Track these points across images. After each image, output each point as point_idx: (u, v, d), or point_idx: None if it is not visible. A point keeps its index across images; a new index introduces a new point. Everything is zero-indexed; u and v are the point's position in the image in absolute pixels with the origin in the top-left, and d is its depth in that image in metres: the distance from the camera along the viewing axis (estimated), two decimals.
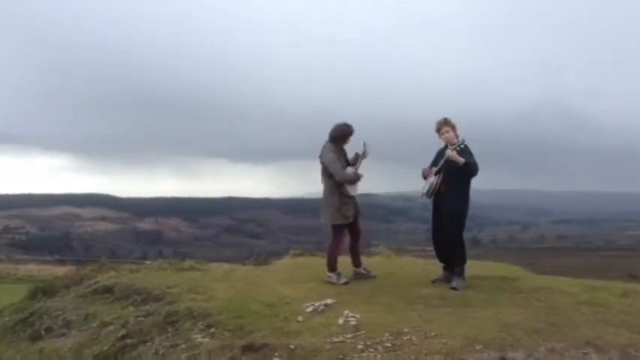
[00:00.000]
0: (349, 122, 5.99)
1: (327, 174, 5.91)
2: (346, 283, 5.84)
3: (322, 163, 5.93)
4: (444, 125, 5.70)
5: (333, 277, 5.93)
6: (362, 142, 5.97)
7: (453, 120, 5.76)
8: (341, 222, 5.89)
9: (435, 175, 5.65)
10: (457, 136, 5.69)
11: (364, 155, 5.96)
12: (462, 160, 5.43)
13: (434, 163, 5.88)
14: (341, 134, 5.94)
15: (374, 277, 6.07)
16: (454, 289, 5.44)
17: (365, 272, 6.12)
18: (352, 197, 5.96)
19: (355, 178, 5.92)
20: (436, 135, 5.81)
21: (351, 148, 6.08)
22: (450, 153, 5.46)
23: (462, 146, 5.54)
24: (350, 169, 5.92)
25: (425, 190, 5.76)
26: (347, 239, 6.11)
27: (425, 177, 5.90)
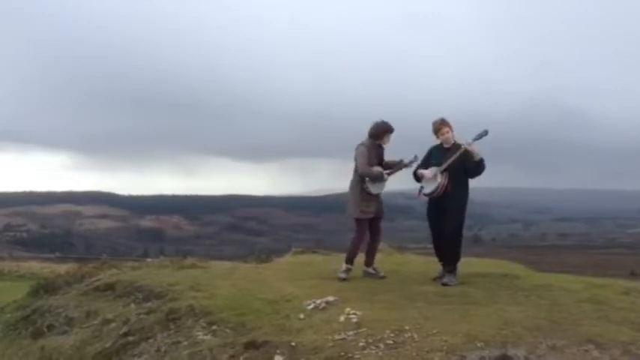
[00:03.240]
0: (389, 121, 5.99)
1: (355, 167, 5.99)
2: (344, 280, 5.88)
3: (355, 155, 5.99)
4: (444, 126, 5.68)
5: (343, 267, 6.01)
6: (413, 155, 5.98)
7: (449, 120, 5.73)
8: (359, 216, 5.94)
9: (442, 173, 5.57)
10: (453, 137, 5.69)
11: (406, 165, 5.98)
12: (477, 150, 5.39)
13: (426, 163, 5.84)
14: (378, 131, 5.96)
15: (383, 277, 6.03)
16: (445, 284, 5.43)
17: (373, 272, 6.10)
18: (375, 195, 5.96)
19: (378, 176, 5.91)
20: (433, 136, 5.80)
21: (393, 152, 6.13)
22: (471, 146, 5.38)
23: (484, 135, 5.46)
24: (377, 168, 5.93)
25: (429, 191, 5.67)
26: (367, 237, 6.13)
27: (419, 179, 5.86)
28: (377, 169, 5.92)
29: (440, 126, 5.70)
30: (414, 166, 5.97)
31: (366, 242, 6.18)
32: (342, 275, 5.94)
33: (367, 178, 5.89)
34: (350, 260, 6.02)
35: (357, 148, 5.97)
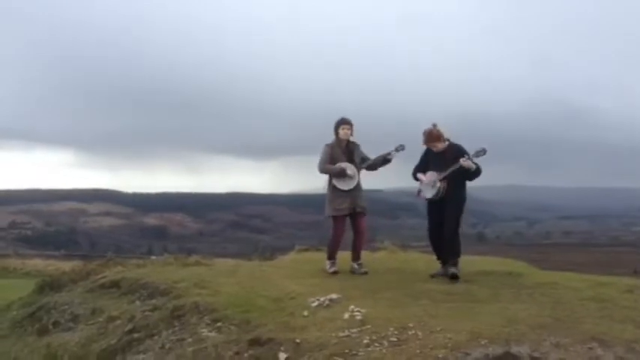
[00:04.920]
0: (345, 115, 6.18)
1: None
2: (335, 273, 6.12)
3: None
4: (428, 142, 5.74)
5: (327, 264, 6.29)
6: (399, 144, 6.05)
7: (440, 126, 5.74)
8: (332, 213, 6.13)
9: (441, 181, 5.64)
10: (445, 141, 5.71)
11: (390, 154, 6.07)
12: (473, 166, 5.49)
13: (424, 164, 5.90)
14: (334, 128, 6.16)
15: (364, 273, 6.11)
16: (454, 275, 5.51)
17: (356, 267, 6.21)
18: (347, 191, 6.05)
19: (337, 173, 6.04)
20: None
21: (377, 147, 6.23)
22: (466, 163, 5.44)
23: (481, 153, 5.53)
24: (340, 164, 6.03)
25: (429, 196, 5.77)
26: (344, 234, 6.28)
27: (418, 180, 5.95)
28: (339, 165, 6.04)
29: (428, 142, 5.76)
30: (395, 155, 6.06)
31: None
32: (332, 269, 6.20)
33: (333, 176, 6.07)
34: (330, 256, 6.29)
35: None
